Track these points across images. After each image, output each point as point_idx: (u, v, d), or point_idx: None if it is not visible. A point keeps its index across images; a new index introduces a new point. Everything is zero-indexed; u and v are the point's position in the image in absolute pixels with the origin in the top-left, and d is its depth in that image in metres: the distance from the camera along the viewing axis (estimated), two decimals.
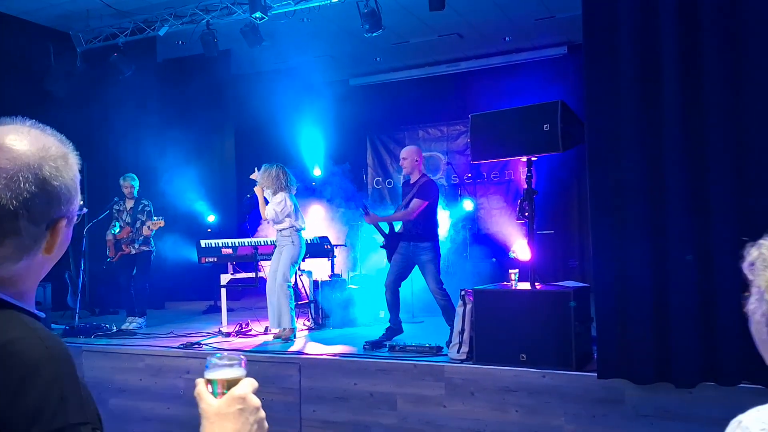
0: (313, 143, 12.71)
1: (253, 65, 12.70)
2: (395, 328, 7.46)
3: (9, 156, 1.30)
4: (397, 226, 7.80)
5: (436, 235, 7.56)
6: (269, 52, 11.02)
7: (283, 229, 7.80)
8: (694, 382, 4.84)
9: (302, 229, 7.91)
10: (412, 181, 7.64)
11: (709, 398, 4.87)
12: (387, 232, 7.75)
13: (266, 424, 1.49)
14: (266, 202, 7.85)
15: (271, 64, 12.55)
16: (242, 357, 1.50)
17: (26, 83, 9.91)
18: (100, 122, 11.00)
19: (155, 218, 8.97)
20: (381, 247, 7.83)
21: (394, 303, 7.56)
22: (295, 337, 7.69)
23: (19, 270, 1.33)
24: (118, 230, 8.97)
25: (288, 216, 7.71)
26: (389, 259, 7.68)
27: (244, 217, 10.63)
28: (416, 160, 7.58)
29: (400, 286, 7.66)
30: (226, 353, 1.51)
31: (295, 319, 7.82)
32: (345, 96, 13.33)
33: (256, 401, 1.47)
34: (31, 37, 10.41)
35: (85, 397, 1.27)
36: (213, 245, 8.96)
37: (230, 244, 9.00)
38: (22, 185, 1.28)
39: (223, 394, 1.46)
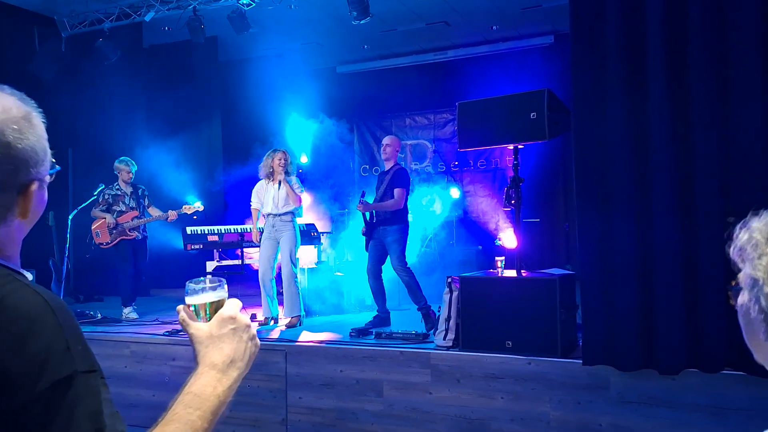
0: (299, 131, 12.67)
1: (240, 52, 12.65)
2: (383, 317, 7.58)
3: None
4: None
5: (405, 220, 7.75)
6: (256, 39, 10.98)
7: (286, 213, 7.86)
8: (678, 368, 4.87)
9: (299, 215, 8.08)
10: (386, 169, 7.94)
11: (692, 385, 4.91)
12: (368, 220, 7.87)
13: (258, 341, 1.50)
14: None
15: (258, 51, 12.49)
16: (222, 279, 1.50)
17: (10, 68, 9.83)
18: (85, 108, 10.93)
19: (197, 203, 8.93)
20: (362, 233, 7.93)
21: (378, 289, 7.72)
22: (300, 324, 7.79)
23: None
24: (116, 215, 8.79)
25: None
26: (366, 247, 7.84)
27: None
28: (396, 150, 7.89)
29: (381, 271, 7.80)
30: (207, 277, 1.48)
31: (301, 306, 7.96)
32: (332, 83, 13.30)
33: (246, 319, 1.48)
34: (16, 21, 10.33)
35: (87, 346, 1.26)
36: (199, 232, 8.94)
37: (216, 231, 8.99)
38: None
39: (208, 318, 1.46)
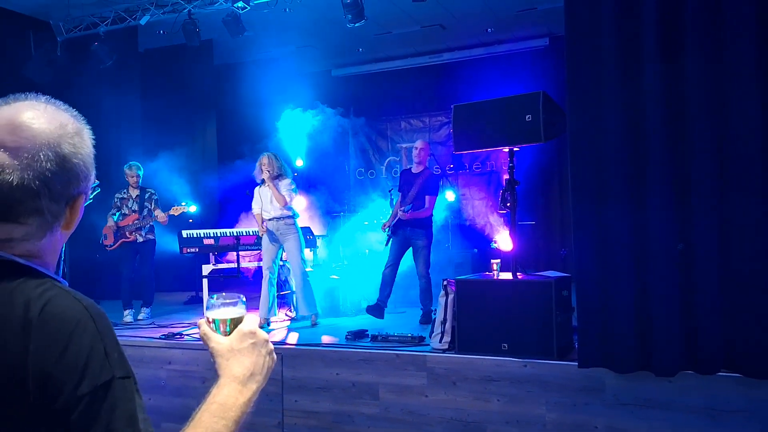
0: (294, 134, 12.66)
1: (235, 55, 12.64)
2: (382, 306, 7.88)
3: (28, 135, 1.31)
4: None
5: (432, 224, 8.17)
6: (251, 43, 10.98)
7: (287, 217, 7.99)
8: (674, 370, 4.87)
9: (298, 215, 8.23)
10: (414, 171, 8.29)
11: (688, 387, 4.91)
12: (395, 219, 8.25)
13: (275, 356, 1.56)
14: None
15: (253, 55, 12.50)
16: (240, 295, 1.55)
17: (5, 72, 9.82)
18: (80, 112, 10.84)
19: (183, 203, 9.03)
20: (383, 229, 8.33)
21: (391, 280, 8.07)
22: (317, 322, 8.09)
23: (42, 245, 1.35)
24: (118, 218, 8.89)
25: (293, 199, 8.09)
26: (387, 243, 8.20)
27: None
28: (428, 154, 8.32)
29: (399, 265, 8.16)
30: (224, 293, 1.56)
31: (317, 305, 8.18)
32: (327, 87, 13.30)
33: (264, 334, 1.54)
34: (11, 25, 10.31)
35: (123, 352, 1.30)
36: (195, 236, 8.92)
37: (212, 235, 8.97)
38: (43, 164, 1.29)
39: (228, 332, 1.52)
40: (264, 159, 8.03)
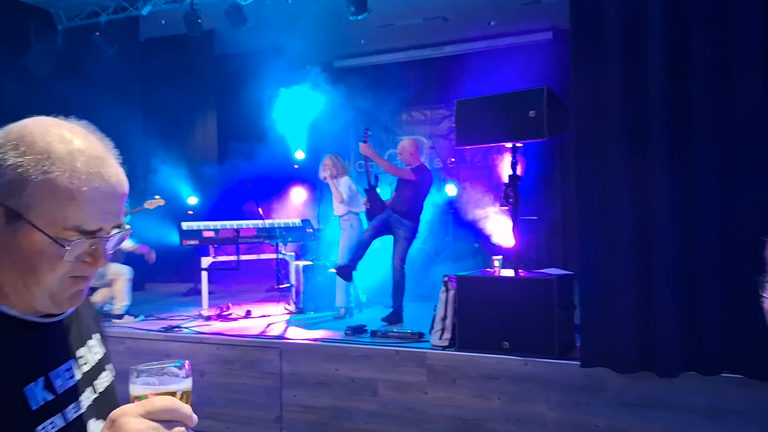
0: (295, 125, 12.61)
1: (237, 46, 12.55)
2: (351, 268, 7.82)
3: None
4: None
5: (419, 219, 7.87)
6: (253, 33, 10.89)
7: (343, 214, 8.39)
8: (676, 371, 4.85)
9: (360, 213, 8.46)
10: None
11: (691, 387, 4.89)
12: (373, 183, 8.29)
13: None
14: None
15: (255, 46, 12.40)
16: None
17: (5, 61, 9.75)
18: (80, 101, 10.82)
19: (156, 197, 8.99)
20: (365, 191, 8.31)
21: (363, 252, 7.88)
22: (350, 316, 8.27)
23: None
24: None
25: (354, 198, 8.36)
26: (368, 216, 8.19)
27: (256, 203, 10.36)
28: (411, 153, 8.00)
29: (372, 242, 7.97)
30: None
31: (350, 299, 8.38)
32: (329, 78, 13.24)
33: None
34: (11, 14, 10.22)
35: None
36: (195, 228, 8.88)
37: (212, 227, 8.92)
38: None
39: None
40: (326, 159, 8.56)
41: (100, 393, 1.48)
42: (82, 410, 1.38)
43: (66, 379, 1.37)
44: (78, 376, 1.41)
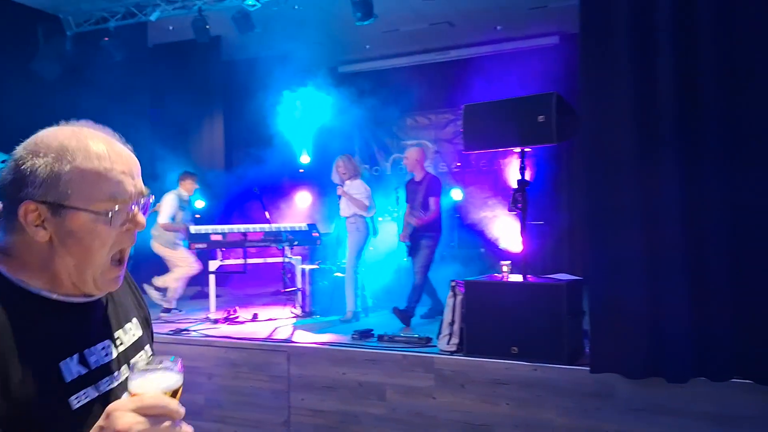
0: (301, 130, 12.63)
1: (243, 52, 12.59)
2: (409, 313, 7.75)
3: None
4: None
5: (440, 228, 8.11)
6: (259, 39, 10.91)
7: (348, 216, 8.33)
8: (686, 377, 4.84)
9: (368, 216, 8.42)
10: (417, 179, 8.26)
11: (700, 393, 4.88)
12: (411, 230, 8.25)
13: None
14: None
15: (261, 51, 12.44)
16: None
17: (14, 66, 9.77)
18: (88, 107, 10.85)
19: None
20: (402, 240, 8.38)
21: (421, 286, 7.96)
22: (356, 320, 8.20)
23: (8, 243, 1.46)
24: None
25: (368, 198, 8.34)
26: (410, 253, 8.20)
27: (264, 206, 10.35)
28: (417, 160, 8.16)
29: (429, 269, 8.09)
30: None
31: (357, 303, 8.35)
32: (333, 83, 13.26)
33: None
34: (20, 19, 10.25)
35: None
36: (203, 231, 8.89)
37: (220, 231, 8.93)
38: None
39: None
40: (339, 161, 8.52)
41: None
42: (115, 384, 1.54)
43: (101, 357, 1.53)
44: (114, 354, 1.58)
